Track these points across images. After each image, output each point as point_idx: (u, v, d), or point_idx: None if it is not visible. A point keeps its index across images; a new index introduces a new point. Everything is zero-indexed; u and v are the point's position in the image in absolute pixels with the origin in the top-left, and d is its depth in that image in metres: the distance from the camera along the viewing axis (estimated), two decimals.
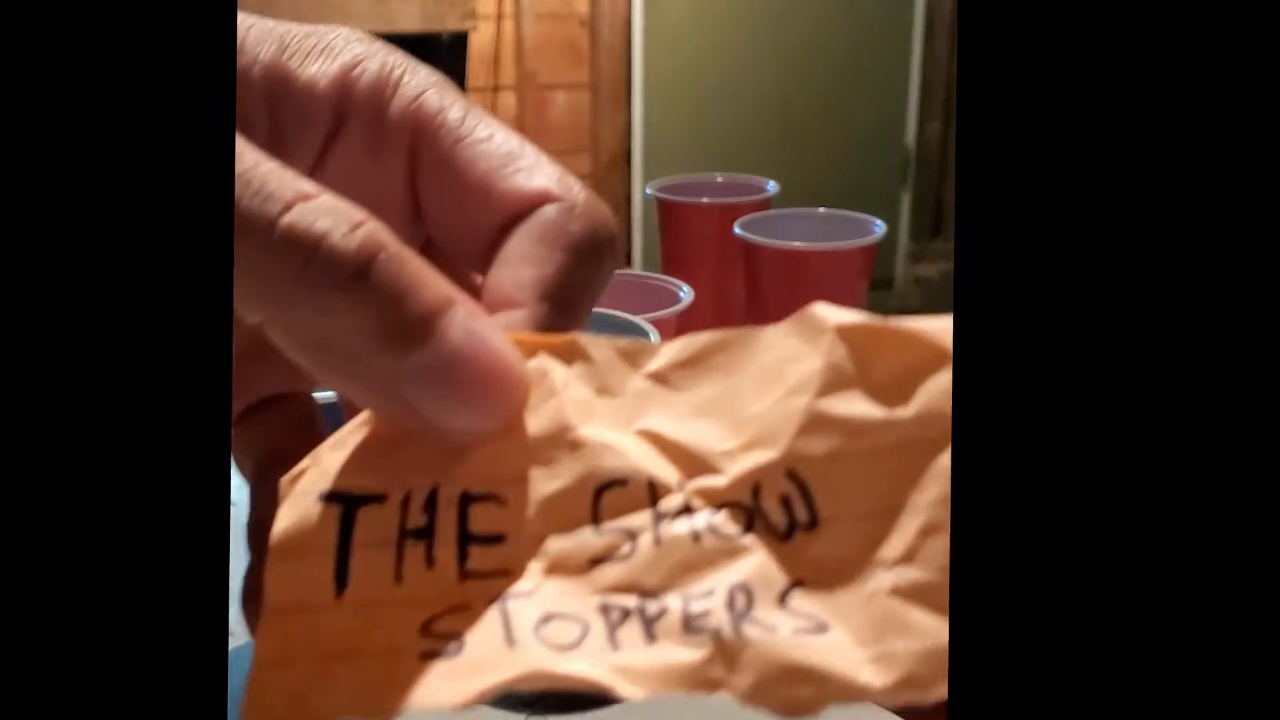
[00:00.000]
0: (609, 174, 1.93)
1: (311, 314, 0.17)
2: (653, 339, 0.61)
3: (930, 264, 2.08)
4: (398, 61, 0.22)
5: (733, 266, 0.84)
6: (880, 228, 0.79)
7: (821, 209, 0.86)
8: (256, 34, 0.21)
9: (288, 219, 0.17)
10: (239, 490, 0.22)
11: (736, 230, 0.79)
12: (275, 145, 0.21)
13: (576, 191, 0.21)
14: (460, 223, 0.22)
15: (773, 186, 0.93)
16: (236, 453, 0.24)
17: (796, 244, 0.77)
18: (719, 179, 0.98)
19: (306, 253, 0.17)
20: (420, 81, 0.22)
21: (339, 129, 0.22)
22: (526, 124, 1.84)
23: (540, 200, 0.21)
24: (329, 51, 0.22)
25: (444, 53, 1.62)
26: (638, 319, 0.60)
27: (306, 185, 0.17)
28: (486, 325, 0.18)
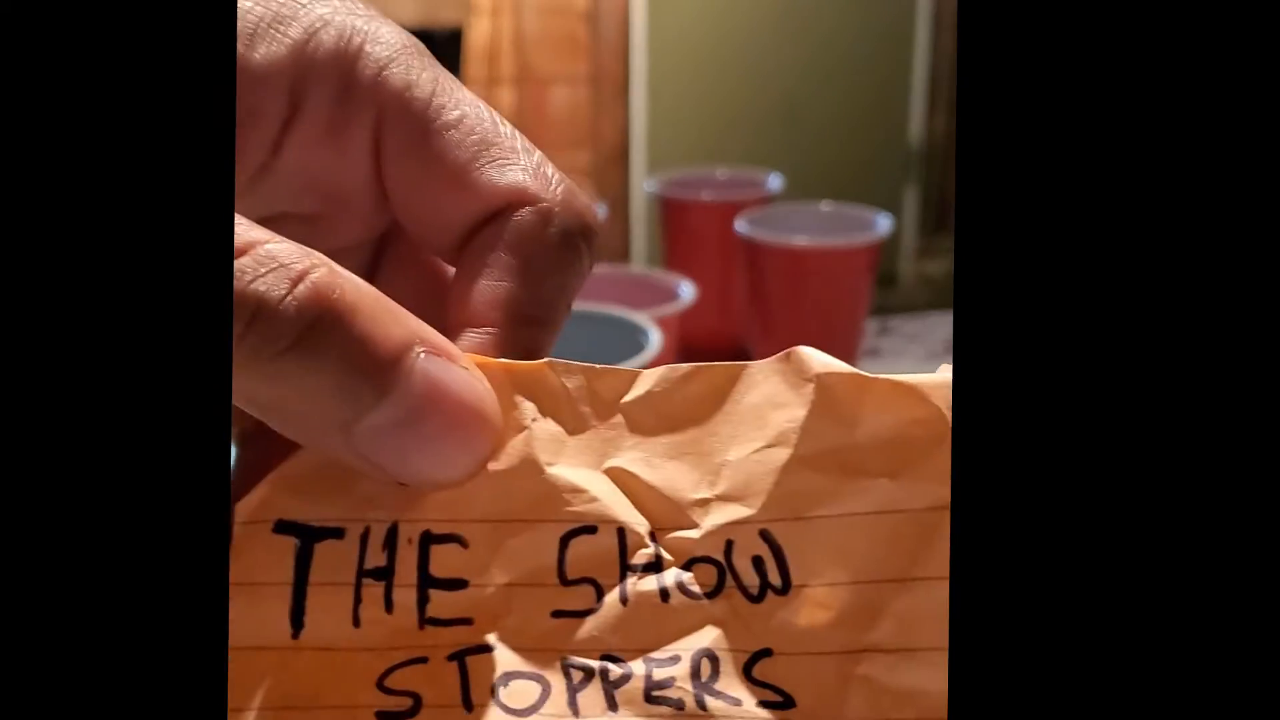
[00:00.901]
0: (609, 168, 1.92)
1: (255, 381, 0.16)
2: (653, 337, 0.60)
3: (936, 261, 2.06)
4: (357, 26, 0.20)
5: (735, 263, 0.83)
6: (885, 224, 0.78)
7: (825, 204, 0.85)
8: None
9: None
10: None
11: (738, 228, 0.78)
12: None
13: (554, 187, 0.20)
14: (429, 214, 0.21)
15: (775, 181, 0.92)
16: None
17: (798, 242, 0.76)
18: (721, 173, 0.97)
19: (243, 322, 0.16)
20: (383, 51, 0.20)
21: (295, 113, 0.20)
22: (525, 118, 1.83)
23: (515, 199, 0.20)
24: (278, 24, 0.19)
25: (441, 47, 1.61)
26: (638, 316, 0.59)
27: (242, 231, 0.16)
28: (451, 368, 0.17)
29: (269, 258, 0.16)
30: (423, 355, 0.17)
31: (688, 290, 0.71)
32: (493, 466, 0.18)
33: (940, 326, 0.95)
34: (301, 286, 0.16)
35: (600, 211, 0.84)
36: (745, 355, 0.85)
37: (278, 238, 0.16)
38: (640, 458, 0.18)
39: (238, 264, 0.16)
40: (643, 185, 1.86)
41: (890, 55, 2.03)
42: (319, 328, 0.16)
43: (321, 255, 0.17)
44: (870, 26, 2.01)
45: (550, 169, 0.20)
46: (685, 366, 0.18)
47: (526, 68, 1.85)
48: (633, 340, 0.57)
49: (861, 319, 0.80)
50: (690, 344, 0.83)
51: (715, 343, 0.88)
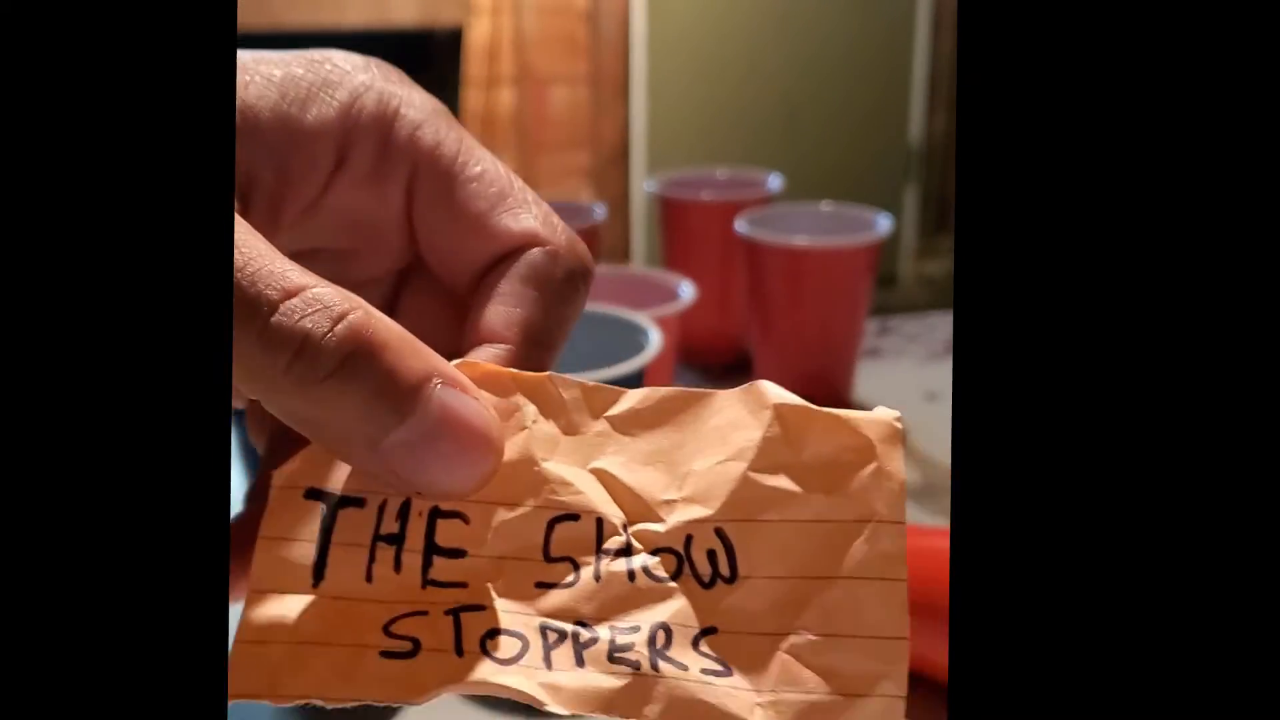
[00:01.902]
0: (609, 169, 1.92)
1: (300, 403, 0.19)
2: (653, 337, 0.60)
3: (936, 261, 2.07)
4: (393, 92, 0.24)
5: (735, 263, 0.83)
6: (885, 224, 0.78)
7: (825, 204, 0.85)
8: (257, 88, 0.22)
9: (274, 319, 0.19)
10: (239, 492, 0.23)
11: (738, 227, 0.78)
12: (281, 188, 0.23)
13: (559, 234, 0.24)
14: (451, 253, 0.24)
15: (775, 181, 0.92)
16: (252, 429, 0.26)
17: (798, 242, 0.76)
18: (721, 173, 0.97)
19: (291, 352, 0.19)
20: (416, 114, 0.24)
21: (341, 164, 0.23)
22: (525, 118, 1.83)
23: (527, 241, 0.23)
24: (326, 88, 0.23)
25: (441, 47, 1.61)
26: (638, 316, 0.59)
27: (294, 277, 0.19)
28: (463, 397, 0.20)
29: (315, 300, 0.19)
30: (440, 386, 0.20)
31: (688, 290, 0.70)
32: None
33: (940, 326, 0.95)
34: (341, 325, 0.19)
35: (600, 211, 0.84)
36: (745, 355, 0.85)
37: (323, 283, 0.19)
38: (620, 461, 0.21)
39: (288, 304, 0.19)
40: (643, 185, 1.86)
41: (890, 55, 2.03)
42: (354, 359, 0.19)
43: (359, 299, 0.20)
44: (870, 26, 2.01)
45: (556, 219, 0.24)
46: (664, 390, 0.21)
47: (526, 68, 1.85)
48: (633, 340, 0.57)
49: (861, 319, 0.80)
50: (690, 344, 0.83)
51: (715, 343, 0.88)
